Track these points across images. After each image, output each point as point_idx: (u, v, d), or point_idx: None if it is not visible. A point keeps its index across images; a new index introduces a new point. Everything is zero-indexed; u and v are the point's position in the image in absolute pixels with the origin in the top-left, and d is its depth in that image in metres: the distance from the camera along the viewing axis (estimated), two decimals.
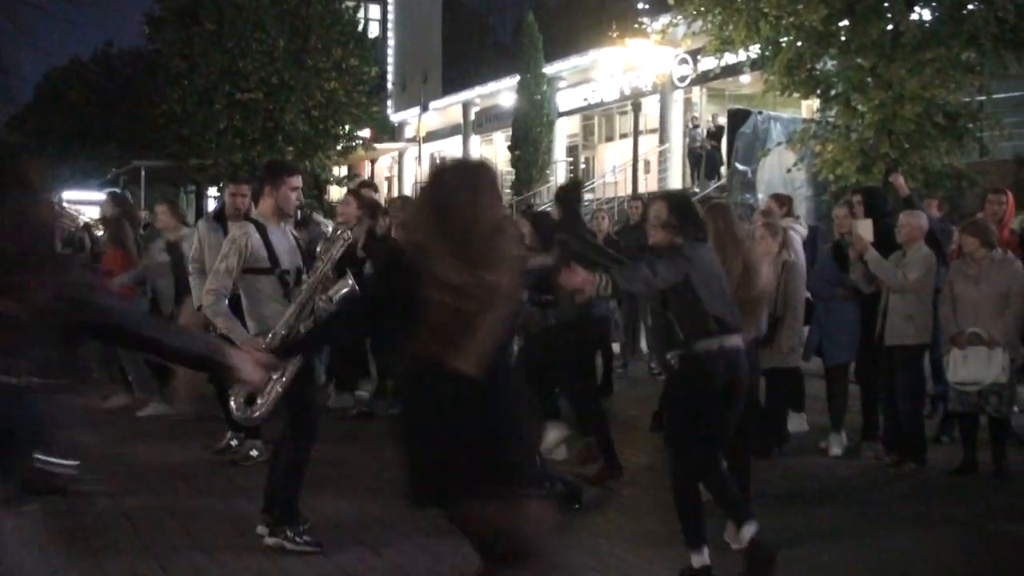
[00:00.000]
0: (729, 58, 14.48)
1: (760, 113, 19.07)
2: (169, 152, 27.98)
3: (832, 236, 8.23)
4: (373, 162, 37.03)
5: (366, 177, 30.95)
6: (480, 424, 3.08)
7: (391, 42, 39.93)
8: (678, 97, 26.31)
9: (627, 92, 26.69)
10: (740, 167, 19.48)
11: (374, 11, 39.80)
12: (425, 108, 32.92)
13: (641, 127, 21.27)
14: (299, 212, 7.30)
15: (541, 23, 28.65)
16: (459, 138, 35.80)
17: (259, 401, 5.03)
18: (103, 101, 43.61)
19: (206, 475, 6.78)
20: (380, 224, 8.51)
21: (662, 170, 26.59)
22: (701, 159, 23.73)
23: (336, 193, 32.92)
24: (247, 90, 26.13)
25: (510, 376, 3.31)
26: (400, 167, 39.81)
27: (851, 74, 12.66)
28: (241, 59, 26.03)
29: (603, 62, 25.31)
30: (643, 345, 12.10)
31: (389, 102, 38.29)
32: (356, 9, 32.70)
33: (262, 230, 5.26)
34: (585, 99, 29.99)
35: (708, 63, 15.62)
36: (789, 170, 15.14)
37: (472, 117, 35.27)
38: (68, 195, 30.20)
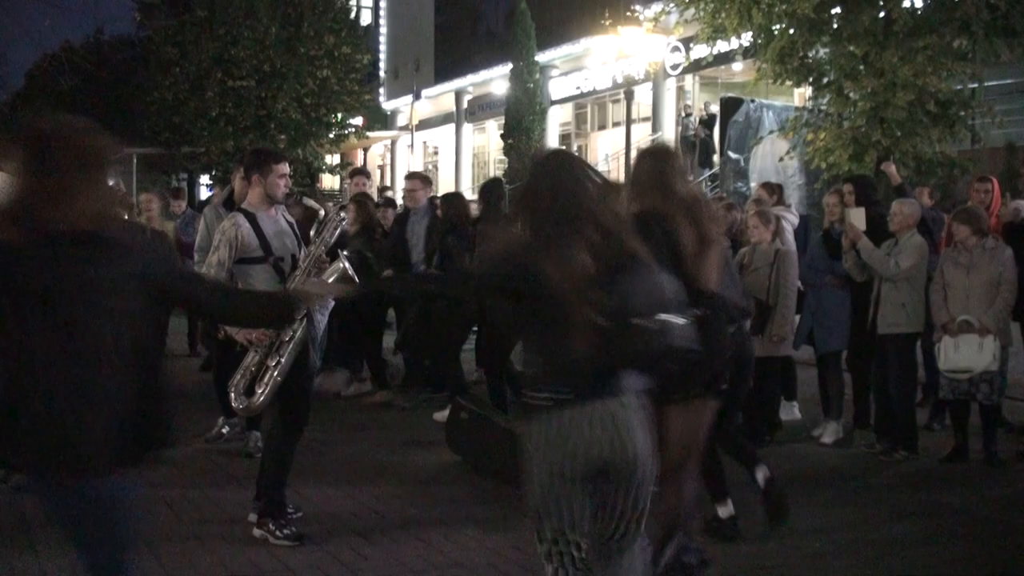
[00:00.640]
0: (721, 46, 14.43)
1: (752, 101, 19.06)
2: (160, 140, 27.89)
3: (823, 224, 8.24)
4: (366, 150, 36.93)
5: (359, 165, 30.89)
6: None
7: (383, 30, 39.79)
8: (671, 85, 26.23)
9: (620, 80, 26.68)
10: (733, 155, 19.50)
11: None
12: (417, 96, 32.79)
13: (634, 115, 21.26)
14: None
15: (533, 11, 28.53)
16: (452, 126, 35.74)
17: (258, 391, 5.02)
18: (94, 88, 43.37)
19: (199, 464, 6.76)
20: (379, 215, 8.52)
21: None
22: (694, 147, 23.71)
23: (328, 181, 32.86)
24: (239, 78, 25.98)
25: None
26: (393, 155, 39.74)
27: (843, 62, 12.65)
28: (233, 46, 25.86)
29: (596, 50, 25.23)
30: None
31: (381, 90, 38.16)
32: None
33: (252, 219, 5.24)
34: (578, 87, 29.90)
35: (701, 51, 15.55)
36: (781, 158, 15.15)
37: (465, 105, 35.17)
38: None
